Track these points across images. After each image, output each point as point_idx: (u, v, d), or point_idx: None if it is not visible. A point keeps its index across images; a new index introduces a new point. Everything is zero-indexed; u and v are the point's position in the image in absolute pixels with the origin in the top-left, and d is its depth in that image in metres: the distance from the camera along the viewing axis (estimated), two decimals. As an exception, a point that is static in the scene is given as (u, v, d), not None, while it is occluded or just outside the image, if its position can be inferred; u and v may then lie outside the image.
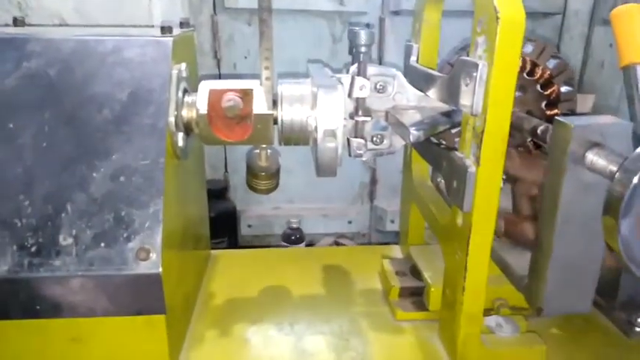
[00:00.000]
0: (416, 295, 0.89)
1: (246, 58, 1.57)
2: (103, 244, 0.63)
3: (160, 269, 0.63)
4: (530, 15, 1.69)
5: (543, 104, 0.81)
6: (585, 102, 1.69)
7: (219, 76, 1.59)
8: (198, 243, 0.95)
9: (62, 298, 0.64)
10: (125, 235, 0.64)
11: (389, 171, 1.73)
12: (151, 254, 0.63)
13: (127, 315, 0.65)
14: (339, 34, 1.59)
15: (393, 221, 1.74)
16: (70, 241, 0.63)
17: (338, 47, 1.60)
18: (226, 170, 1.69)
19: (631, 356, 0.80)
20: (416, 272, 0.92)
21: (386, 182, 1.76)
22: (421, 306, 0.87)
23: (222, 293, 0.93)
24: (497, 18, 0.57)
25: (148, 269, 0.63)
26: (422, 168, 0.97)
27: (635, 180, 0.45)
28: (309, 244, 1.68)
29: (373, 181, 1.76)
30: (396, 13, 1.55)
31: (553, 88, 0.79)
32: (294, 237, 1.62)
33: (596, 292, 0.90)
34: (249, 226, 1.71)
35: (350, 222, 1.78)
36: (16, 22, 0.86)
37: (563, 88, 0.79)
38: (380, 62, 1.61)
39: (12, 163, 0.65)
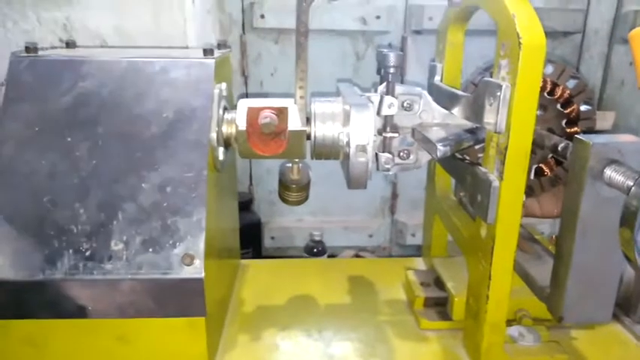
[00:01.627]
0: (440, 305, 0.92)
1: (272, 75, 1.63)
2: (150, 250, 0.68)
3: (203, 274, 0.68)
4: (550, 34, 1.73)
5: (564, 122, 0.84)
6: (605, 119, 1.71)
7: (247, 94, 1.65)
8: (230, 252, 1.00)
9: (112, 300, 0.69)
10: (171, 241, 0.69)
11: (409, 185, 1.77)
12: (194, 260, 0.68)
13: (170, 317, 0.70)
14: (362, 53, 1.65)
15: (414, 235, 1.77)
16: (120, 246, 0.68)
17: (361, 65, 1.65)
18: (251, 183, 1.75)
19: (652, 368, 0.82)
20: (439, 283, 0.95)
21: (407, 196, 1.79)
22: (445, 316, 0.90)
23: (252, 300, 0.97)
24: (520, 43, 0.62)
25: (192, 274, 0.68)
26: (445, 182, 1.01)
27: None
28: (331, 257, 1.72)
29: (394, 195, 1.80)
30: (418, 32, 1.59)
31: (573, 107, 0.82)
32: (316, 249, 1.66)
33: (618, 307, 0.93)
34: (272, 237, 1.76)
35: (371, 235, 1.81)
36: (68, 44, 0.94)
37: (583, 107, 0.83)
38: (402, 80, 1.66)
39: (69, 174, 0.71)
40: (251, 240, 1.63)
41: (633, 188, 0.51)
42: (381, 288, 1.02)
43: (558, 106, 0.83)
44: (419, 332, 0.88)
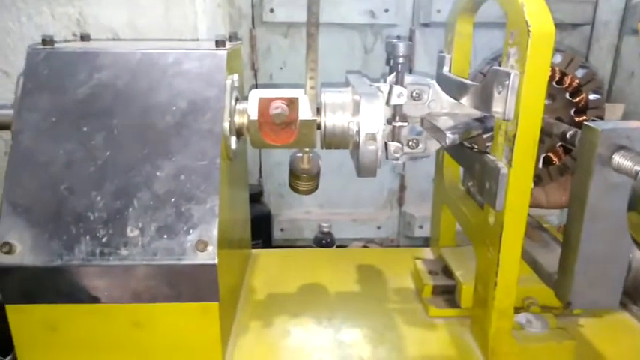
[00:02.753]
0: (448, 293, 0.93)
1: (281, 69, 1.65)
2: (165, 236, 0.70)
3: (216, 260, 0.69)
4: (559, 26, 1.72)
5: (572, 111, 0.85)
6: (615, 111, 1.70)
7: (256, 87, 1.66)
8: (241, 241, 1.01)
9: (128, 285, 0.71)
10: (185, 228, 0.70)
11: (417, 177, 1.77)
12: (208, 246, 0.70)
13: (184, 301, 0.72)
14: (370, 46, 1.65)
15: (421, 227, 1.78)
16: (136, 233, 0.70)
17: (369, 57, 1.66)
18: (261, 176, 1.76)
19: (659, 355, 0.83)
20: (447, 272, 0.96)
21: (414, 188, 1.80)
22: (453, 303, 0.91)
23: (262, 288, 0.99)
24: (529, 31, 0.62)
25: (206, 260, 0.69)
26: (453, 173, 1.01)
27: None
28: (339, 248, 1.74)
29: (402, 188, 1.81)
30: (426, 25, 1.60)
31: (581, 96, 0.83)
32: (324, 241, 1.68)
33: (626, 295, 0.94)
34: (282, 229, 1.78)
35: (379, 227, 1.83)
36: (83, 37, 0.95)
37: (591, 96, 0.83)
38: (410, 72, 1.66)
39: (86, 163, 0.73)
40: (261, 231, 1.65)
41: None
42: (390, 277, 1.04)
43: (567, 95, 0.84)
44: (427, 319, 0.90)
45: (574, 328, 0.86)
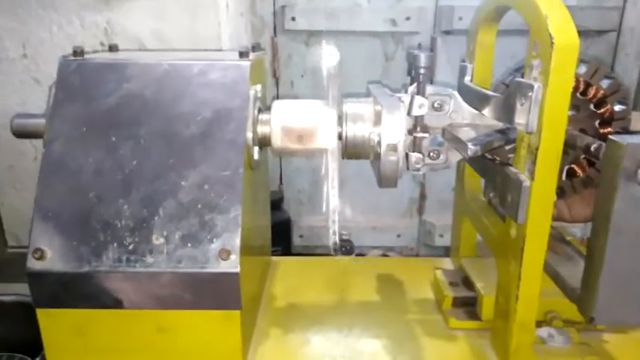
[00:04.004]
0: (468, 305, 0.93)
1: (302, 76, 1.66)
2: (189, 245, 0.72)
3: (239, 269, 0.71)
4: (583, 33, 1.70)
5: (597, 123, 0.84)
6: (641, 120, 1.67)
7: (277, 94, 1.68)
8: (263, 249, 1.02)
9: (153, 292, 0.72)
10: (209, 237, 0.72)
11: (438, 186, 1.77)
12: (231, 255, 0.71)
13: (207, 309, 0.73)
14: (391, 53, 1.66)
15: (442, 236, 1.77)
16: (161, 241, 0.72)
17: (390, 65, 1.66)
18: (281, 182, 1.78)
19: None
20: (468, 283, 0.96)
21: (435, 197, 1.79)
22: (473, 315, 0.90)
23: (283, 296, 1.00)
24: (553, 43, 0.62)
25: (228, 268, 0.71)
26: (474, 183, 1.01)
27: None
28: (358, 256, 1.74)
29: (422, 196, 1.80)
30: (448, 32, 1.60)
31: (606, 107, 0.82)
32: (344, 248, 1.68)
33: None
34: (301, 236, 1.79)
35: (399, 235, 1.82)
36: (111, 48, 0.98)
37: (617, 107, 0.82)
38: (431, 81, 1.66)
39: (113, 171, 0.75)
40: (281, 238, 1.66)
41: None
42: (409, 287, 1.04)
43: (591, 106, 0.83)
44: (447, 331, 0.89)
45: (598, 344, 0.85)
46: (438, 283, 0.97)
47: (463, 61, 0.97)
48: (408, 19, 1.57)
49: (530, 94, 0.65)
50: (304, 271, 1.10)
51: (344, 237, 1.69)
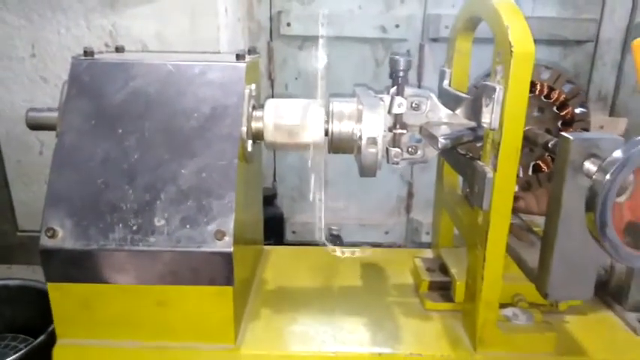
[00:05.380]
0: (443, 289, 1.01)
1: (296, 79, 1.75)
2: (188, 226, 0.79)
3: (232, 248, 0.79)
4: (563, 43, 1.80)
5: (559, 124, 0.92)
6: (617, 125, 1.77)
7: (272, 96, 1.77)
8: (255, 237, 1.10)
9: (154, 269, 0.80)
10: (205, 219, 0.79)
11: (425, 185, 1.85)
12: (225, 236, 0.79)
13: (203, 285, 0.80)
14: (381, 59, 1.75)
15: (428, 233, 1.85)
16: (162, 222, 0.80)
17: (380, 70, 1.75)
18: (275, 180, 1.86)
19: (638, 351, 0.89)
20: (444, 270, 1.04)
21: (422, 196, 1.88)
22: (448, 298, 0.98)
23: (273, 281, 1.08)
24: (512, 52, 0.71)
25: (223, 248, 0.79)
26: (452, 179, 1.09)
27: (607, 177, 0.56)
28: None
29: (410, 195, 1.89)
30: (435, 40, 1.69)
31: (568, 110, 0.90)
32: (334, 244, 1.76)
33: (611, 296, 1.01)
34: (294, 232, 1.87)
35: (387, 232, 1.90)
36: (118, 49, 1.06)
37: (578, 110, 0.91)
38: (419, 85, 1.75)
39: (120, 160, 0.82)
40: (274, 232, 1.74)
41: (595, 175, 0.59)
42: (391, 274, 1.11)
43: (554, 108, 0.91)
44: (423, 312, 0.97)
45: (558, 324, 0.93)
46: (417, 269, 1.05)
47: (443, 66, 1.06)
48: (397, 26, 1.66)
49: (493, 95, 0.74)
50: (294, 259, 1.18)
51: (334, 232, 1.77)
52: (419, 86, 1.75)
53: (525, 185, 0.96)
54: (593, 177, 0.60)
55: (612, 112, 1.79)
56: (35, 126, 0.91)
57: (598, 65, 1.77)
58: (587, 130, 0.92)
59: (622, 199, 0.59)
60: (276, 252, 1.22)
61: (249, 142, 0.88)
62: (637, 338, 0.91)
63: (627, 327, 0.94)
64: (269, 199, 1.75)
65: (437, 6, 1.67)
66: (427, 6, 1.68)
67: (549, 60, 1.75)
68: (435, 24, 1.66)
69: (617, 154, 0.57)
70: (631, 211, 0.60)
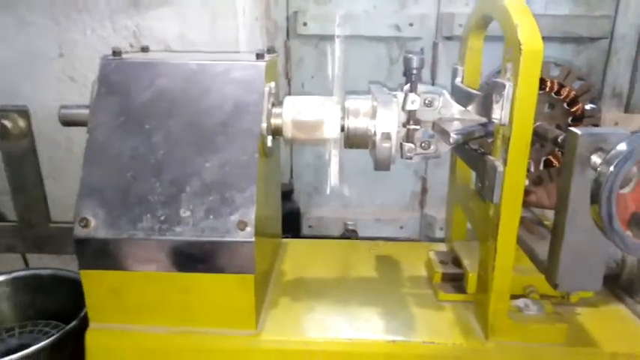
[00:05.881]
0: (456, 281, 1.04)
1: (312, 78, 1.78)
2: (211, 217, 0.84)
3: (254, 238, 0.83)
4: (576, 40, 1.80)
5: (570, 119, 0.95)
6: (632, 122, 1.77)
7: (289, 94, 1.80)
8: (274, 229, 1.14)
9: (179, 257, 0.85)
10: (228, 210, 0.84)
11: (438, 181, 1.87)
12: (247, 227, 0.83)
13: (226, 273, 0.85)
14: (395, 57, 1.77)
15: (442, 228, 1.87)
16: (188, 213, 0.84)
17: (395, 68, 1.78)
18: (292, 176, 1.90)
19: (647, 341, 0.91)
20: (457, 263, 1.07)
21: (436, 192, 1.90)
22: (460, 290, 1.01)
23: (291, 272, 1.12)
24: (521, 49, 0.73)
25: (245, 238, 0.83)
26: (465, 174, 1.12)
27: (611, 169, 0.59)
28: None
29: (424, 191, 1.91)
30: (449, 38, 1.70)
31: (578, 106, 0.93)
32: (350, 238, 1.80)
33: (622, 289, 1.03)
34: (310, 226, 1.90)
35: (401, 227, 1.93)
36: (143, 49, 1.11)
37: (588, 106, 0.93)
38: (433, 83, 1.77)
39: (147, 155, 0.87)
40: (291, 227, 1.78)
41: (599, 167, 0.62)
42: (406, 266, 1.15)
43: (565, 105, 0.94)
44: (436, 302, 1.00)
45: (570, 315, 0.95)
46: (430, 262, 1.08)
47: (456, 64, 1.08)
48: (411, 25, 1.68)
49: (503, 92, 0.77)
50: (311, 252, 1.22)
51: (350, 227, 1.80)
52: (433, 83, 1.78)
53: (537, 180, 0.99)
54: (598, 169, 0.63)
55: (627, 108, 1.79)
56: (67, 122, 0.97)
57: (612, 62, 1.77)
58: (597, 125, 0.95)
59: (626, 190, 0.61)
60: (293, 245, 1.26)
61: (269, 137, 0.92)
62: (647, 329, 0.93)
63: (638, 319, 0.96)
64: (286, 195, 1.78)
65: (450, 5, 1.69)
66: (441, 5, 1.69)
67: (563, 57, 1.75)
68: (449, 22, 1.68)
69: (622, 146, 0.60)
70: (635, 203, 0.62)
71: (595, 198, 0.63)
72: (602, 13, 1.70)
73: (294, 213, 1.82)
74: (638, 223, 0.65)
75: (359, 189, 1.88)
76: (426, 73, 1.75)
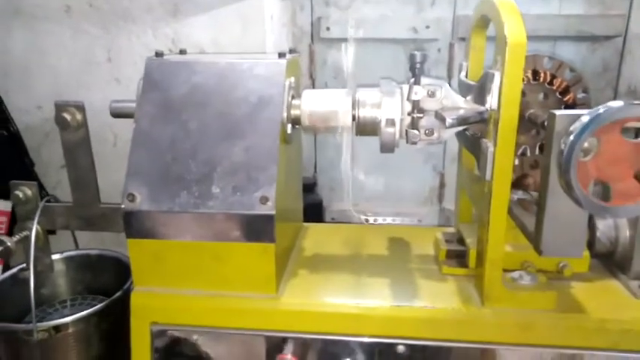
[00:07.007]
0: (460, 257, 1.13)
1: (335, 78, 1.91)
2: (238, 194, 0.97)
3: (274, 211, 0.95)
4: (591, 38, 1.87)
5: (562, 108, 1.03)
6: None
7: (313, 93, 1.94)
8: (295, 211, 1.27)
9: (211, 228, 0.98)
10: (253, 187, 0.97)
11: (455, 176, 1.96)
12: (268, 201, 0.96)
13: (250, 242, 0.98)
14: (414, 58, 1.88)
15: (459, 221, 1.96)
16: (218, 190, 0.98)
17: (413, 69, 1.88)
18: (315, 171, 2.03)
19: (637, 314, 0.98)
20: (462, 242, 1.16)
21: (453, 186, 1.97)
22: (463, 265, 1.11)
23: (310, 249, 1.24)
24: (506, 43, 0.84)
25: (266, 211, 0.96)
26: (469, 162, 1.21)
27: (571, 138, 0.68)
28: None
29: (442, 185, 2.00)
30: (464, 39, 1.80)
31: (570, 95, 1.01)
32: (370, 229, 1.91)
33: (615, 265, 1.10)
34: (333, 218, 2.02)
35: (420, 220, 2.03)
36: (181, 52, 1.26)
37: (580, 95, 1.02)
38: (449, 81, 1.87)
39: (184, 141, 1.01)
40: (314, 218, 1.90)
41: (563, 139, 0.71)
42: (415, 246, 1.25)
43: (557, 94, 1.03)
44: (440, 276, 1.10)
45: (563, 287, 1.03)
46: (437, 241, 1.18)
47: (462, 61, 1.19)
48: (427, 27, 1.79)
49: (493, 81, 0.87)
50: (331, 234, 1.34)
51: (370, 220, 1.91)
52: (449, 82, 1.87)
53: (534, 164, 1.08)
54: (562, 140, 0.72)
55: (642, 104, 1.84)
56: (117, 114, 1.12)
57: (627, 59, 1.82)
58: (588, 113, 1.03)
59: (588, 158, 0.71)
60: (314, 227, 1.38)
61: (289, 125, 1.05)
62: (636, 300, 1.00)
63: (630, 293, 1.03)
64: (310, 187, 1.91)
65: (466, 7, 1.79)
66: (456, 7, 1.80)
67: (578, 55, 1.82)
68: (464, 24, 1.77)
69: (583, 119, 0.69)
70: (596, 170, 0.71)
71: (560, 166, 0.72)
72: (616, 12, 1.77)
73: (317, 205, 1.94)
74: (602, 188, 0.74)
75: (379, 184, 1.99)
76: (442, 72, 1.85)
